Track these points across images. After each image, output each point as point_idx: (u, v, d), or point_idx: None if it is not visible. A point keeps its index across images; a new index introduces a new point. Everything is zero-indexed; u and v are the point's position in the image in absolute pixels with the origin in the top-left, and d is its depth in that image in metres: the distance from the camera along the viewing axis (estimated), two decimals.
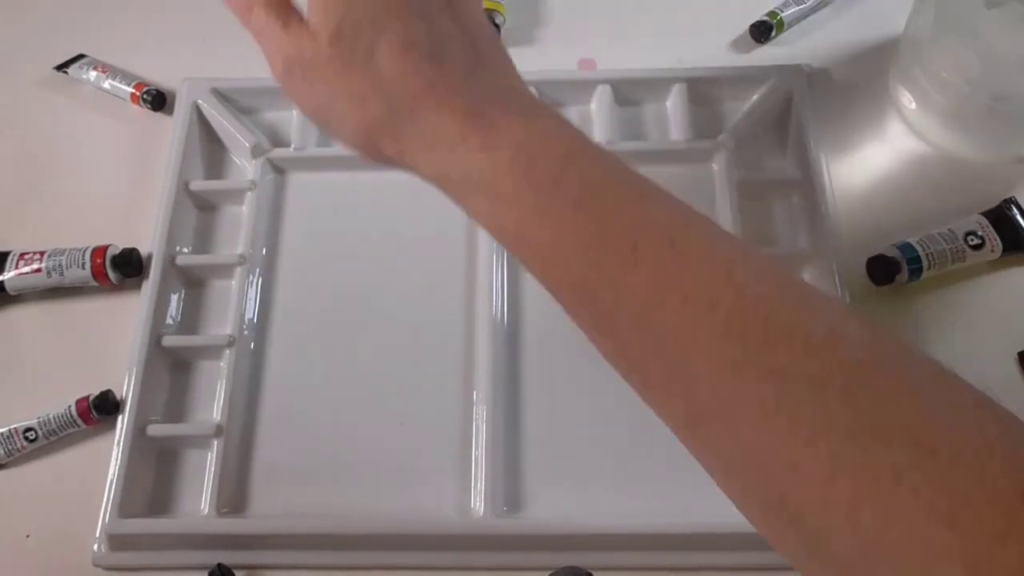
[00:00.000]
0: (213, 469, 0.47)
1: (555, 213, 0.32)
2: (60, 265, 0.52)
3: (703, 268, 0.30)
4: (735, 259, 0.30)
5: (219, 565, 0.45)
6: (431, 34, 0.35)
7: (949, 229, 0.51)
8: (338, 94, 0.36)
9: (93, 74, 0.60)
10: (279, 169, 0.57)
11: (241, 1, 0.40)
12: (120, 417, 0.49)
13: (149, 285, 0.52)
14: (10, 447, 0.49)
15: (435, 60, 0.34)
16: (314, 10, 0.35)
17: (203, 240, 0.55)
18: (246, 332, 0.51)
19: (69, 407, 0.49)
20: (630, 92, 0.58)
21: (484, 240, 0.53)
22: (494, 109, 0.34)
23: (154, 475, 0.49)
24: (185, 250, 0.54)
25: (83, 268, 0.52)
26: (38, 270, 0.52)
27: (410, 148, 0.35)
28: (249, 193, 0.55)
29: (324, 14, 0.35)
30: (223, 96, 0.58)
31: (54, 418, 0.49)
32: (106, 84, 0.60)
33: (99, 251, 0.53)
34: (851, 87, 0.59)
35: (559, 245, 0.32)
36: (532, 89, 0.56)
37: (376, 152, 0.37)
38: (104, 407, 0.49)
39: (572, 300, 0.33)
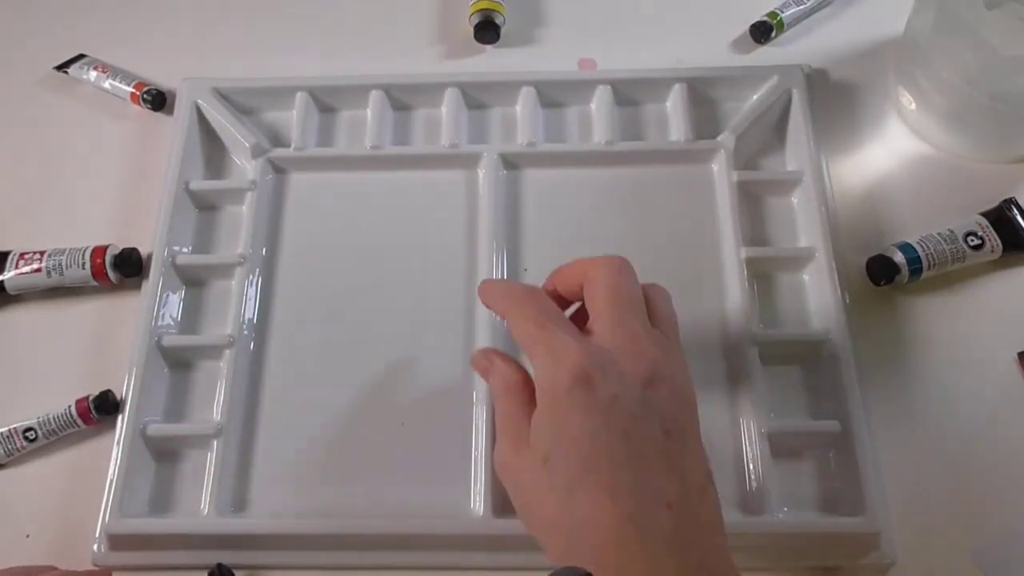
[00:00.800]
0: (213, 469, 0.47)
1: None
2: (60, 265, 0.52)
3: None
4: None
5: (219, 565, 0.45)
6: (640, 491, 0.35)
7: (949, 229, 0.51)
8: (535, 512, 0.38)
9: (93, 74, 0.60)
10: (279, 169, 0.57)
11: (481, 362, 0.42)
12: (120, 417, 0.49)
13: (149, 285, 0.52)
14: (10, 447, 0.49)
15: (634, 521, 0.35)
16: (531, 433, 0.38)
17: (203, 240, 0.55)
18: (246, 332, 0.51)
19: (69, 407, 0.49)
20: (630, 92, 0.58)
21: (484, 240, 0.53)
22: None
23: (154, 475, 0.49)
24: (185, 250, 0.54)
25: (83, 268, 0.52)
26: (38, 270, 0.52)
27: None
28: (249, 193, 0.55)
29: (537, 438, 0.37)
30: (223, 96, 0.58)
31: (54, 418, 0.49)
32: (106, 84, 0.60)
33: (99, 251, 0.53)
34: (851, 87, 0.59)
35: None
36: (533, 88, 0.57)
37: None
38: (104, 407, 0.49)
39: None
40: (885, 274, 0.51)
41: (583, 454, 0.36)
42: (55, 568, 0.44)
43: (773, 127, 0.57)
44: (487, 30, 0.60)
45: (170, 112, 0.59)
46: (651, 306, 0.41)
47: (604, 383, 0.37)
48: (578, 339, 0.38)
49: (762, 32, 0.60)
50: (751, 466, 0.47)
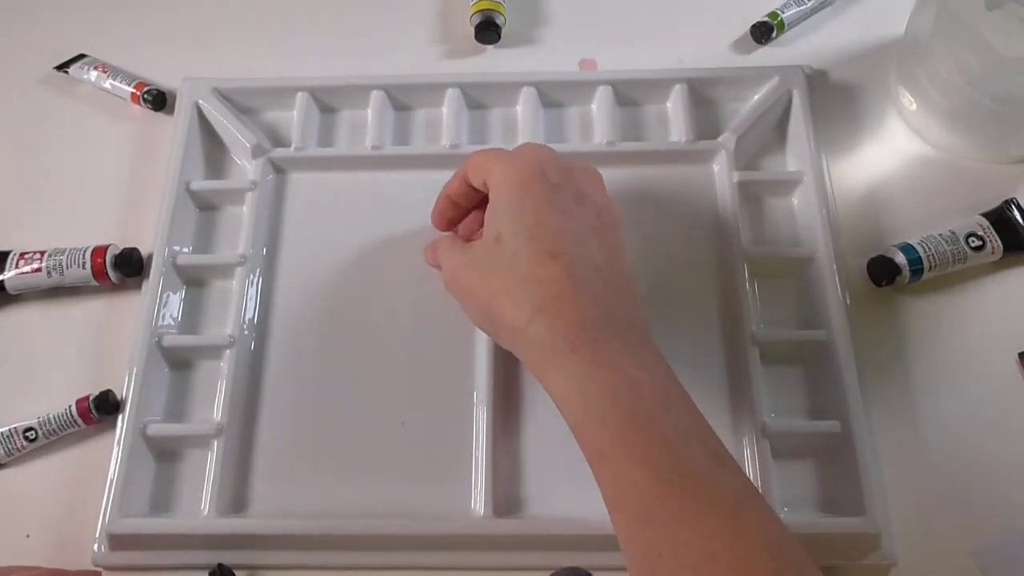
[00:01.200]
0: (213, 469, 0.47)
1: (642, 447, 0.36)
2: (60, 265, 0.52)
3: (760, 550, 0.33)
4: (785, 549, 0.34)
5: (219, 565, 0.45)
6: (576, 254, 0.41)
7: (950, 230, 0.51)
8: (479, 291, 0.43)
9: (94, 74, 0.60)
10: (280, 169, 0.57)
11: (430, 252, 0.50)
12: (120, 417, 0.49)
13: (149, 285, 0.52)
14: (10, 447, 0.49)
15: (571, 276, 0.40)
16: (485, 223, 0.43)
17: (204, 240, 0.55)
18: (246, 332, 0.51)
19: (69, 407, 0.49)
20: (631, 93, 0.58)
21: None
22: (608, 332, 0.39)
23: (154, 475, 0.49)
24: (185, 250, 0.54)
25: (83, 268, 0.52)
26: (38, 270, 0.52)
27: (521, 345, 0.41)
28: (250, 193, 0.55)
29: (491, 224, 0.43)
30: (224, 96, 0.58)
31: (54, 418, 0.49)
32: (107, 84, 0.60)
33: (99, 251, 0.53)
34: (852, 88, 0.59)
35: (633, 472, 0.36)
36: (534, 88, 0.57)
37: (493, 336, 0.45)
38: (104, 407, 0.49)
39: (626, 520, 0.36)
40: (886, 275, 0.51)
41: (528, 226, 0.41)
42: (39, 568, 0.44)
43: (774, 127, 0.57)
44: (488, 30, 0.60)
45: (171, 112, 0.59)
46: None
47: (552, 174, 0.43)
48: (547, 150, 0.45)
49: (763, 32, 0.60)
50: (752, 466, 0.47)
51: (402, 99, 0.58)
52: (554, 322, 0.39)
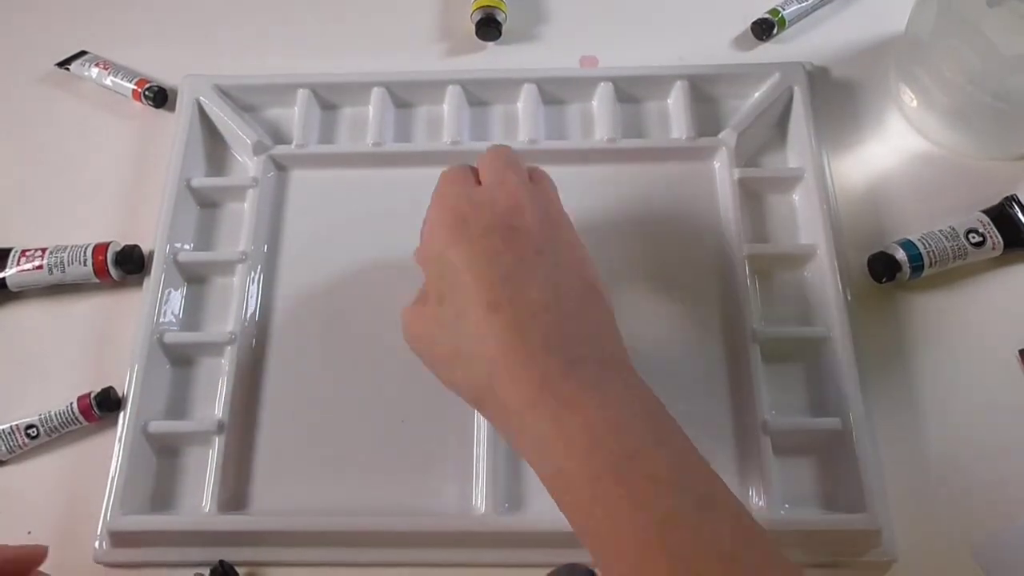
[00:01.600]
0: (214, 466, 0.47)
1: (611, 505, 0.34)
2: (62, 262, 0.52)
3: (656, 550, 0.32)
4: (679, 535, 0.32)
5: (221, 562, 0.45)
6: (517, 302, 0.38)
7: (950, 227, 0.51)
8: (436, 355, 0.41)
9: (95, 71, 0.60)
10: (281, 166, 0.57)
11: None
12: (122, 414, 0.49)
13: (151, 282, 0.52)
14: (12, 444, 0.49)
15: (515, 328, 0.37)
16: (425, 283, 0.42)
17: (205, 237, 0.55)
18: (247, 329, 0.51)
19: (71, 404, 0.49)
20: (632, 89, 0.58)
21: None
22: (569, 380, 0.36)
23: (155, 472, 0.49)
24: (187, 247, 0.54)
25: (85, 265, 0.52)
26: (40, 267, 0.52)
27: (485, 407, 0.39)
28: (251, 190, 0.55)
29: (430, 287, 0.41)
30: (225, 93, 0.58)
31: (56, 415, 0.49)
32: (108, 81, 0.60)
33: (101, 248, 0.53)
34: (853, 85, 0.59)
35: (609, 532, 0.34)
36: (534, 87, 0.57)
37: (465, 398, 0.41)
38: (106, 404, 0.49)
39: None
40: (887, 271, 0.51)
41: (463, 283, 0.39)
42: None
43: (775, 124, 0.57)
44: (489, 27, 0.60)
45: (172, 109, 0.59)
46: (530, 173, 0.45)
47: (477, 217, 0.40)
48: (463, 187, 0.42)
49: (764, 29, 0.60)
50: (752, 463, 0.47)
51: (403, 96, 0.58)
52: (506, 381, 0.37)
